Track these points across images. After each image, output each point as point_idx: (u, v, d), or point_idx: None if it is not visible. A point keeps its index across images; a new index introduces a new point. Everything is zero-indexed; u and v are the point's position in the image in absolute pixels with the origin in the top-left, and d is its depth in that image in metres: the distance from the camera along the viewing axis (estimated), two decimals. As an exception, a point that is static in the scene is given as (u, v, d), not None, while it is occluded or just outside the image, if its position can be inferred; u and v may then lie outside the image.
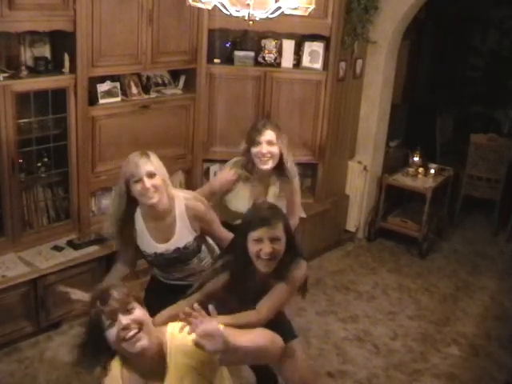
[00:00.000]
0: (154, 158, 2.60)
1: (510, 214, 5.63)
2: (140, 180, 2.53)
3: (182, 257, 2.72)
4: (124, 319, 1.84)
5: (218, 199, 3.21)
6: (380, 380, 3.61)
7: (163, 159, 2.68)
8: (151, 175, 2.54)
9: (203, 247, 2.82)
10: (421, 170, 5.39)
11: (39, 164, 3.68)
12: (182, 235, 2.69)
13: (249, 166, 3.08)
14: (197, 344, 1.71)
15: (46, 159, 3.70)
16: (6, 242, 3.62)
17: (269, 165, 3.03)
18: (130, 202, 2.64)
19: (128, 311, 1.86)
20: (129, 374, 1.92)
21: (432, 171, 5.40)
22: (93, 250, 3.81)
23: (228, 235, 2.72)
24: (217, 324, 1.74)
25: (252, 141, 3.03)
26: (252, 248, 2.28)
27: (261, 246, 2.26)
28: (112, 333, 1.84)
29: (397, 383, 3.59)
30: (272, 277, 2.35)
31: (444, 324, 4.26)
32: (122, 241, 2.76)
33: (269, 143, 3.00)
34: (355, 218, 5.35)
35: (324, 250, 5.10)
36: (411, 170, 5.42)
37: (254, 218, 2.33)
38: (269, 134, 3.02)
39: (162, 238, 2.69)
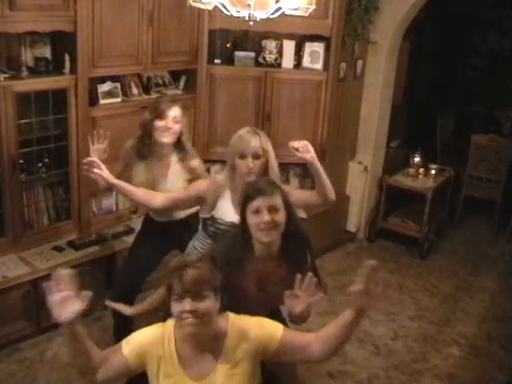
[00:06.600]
0: (264, 138, 2.66)
1: (510, 215, 5.62)
2: (245, 157, 2.60)
3: None
4: (190, 304, 1.78)
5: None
6: (380, 380, 3.61)
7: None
8: (257, 156, 2.61)
9: None
10: (421, 170, 5.39)
11: (40, 164, 3.68)
12: None
13: (145, 140, 3.12)
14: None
15: (46, 159, 3.70)
16: (6, 243, 3.62)
17: (170, 138, 3.08)
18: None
19: (199, 297, 1.80)
20: (182, 339, 1.90)
21: (432, 172, 5.39)
22: (93, 251, 3.82)
23: None
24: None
25: (158, 113, 3.05)
26: (252, 221, 2.21)
27: (259, 217, 2.19)
28: (175, 306, 1.81)
29: (397, 384, 3.61)
30: (279, 259, 2.30)
31: (444, 324, 4.25)
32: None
33: (174, 119, 3.06)
34: (356, 219, 5.35)
35: (325, 250, 5.09)
36: (412, 170, 5.41)
37: (250, 190, 2.27)
38: (177, 111, 3.08)
39: None
